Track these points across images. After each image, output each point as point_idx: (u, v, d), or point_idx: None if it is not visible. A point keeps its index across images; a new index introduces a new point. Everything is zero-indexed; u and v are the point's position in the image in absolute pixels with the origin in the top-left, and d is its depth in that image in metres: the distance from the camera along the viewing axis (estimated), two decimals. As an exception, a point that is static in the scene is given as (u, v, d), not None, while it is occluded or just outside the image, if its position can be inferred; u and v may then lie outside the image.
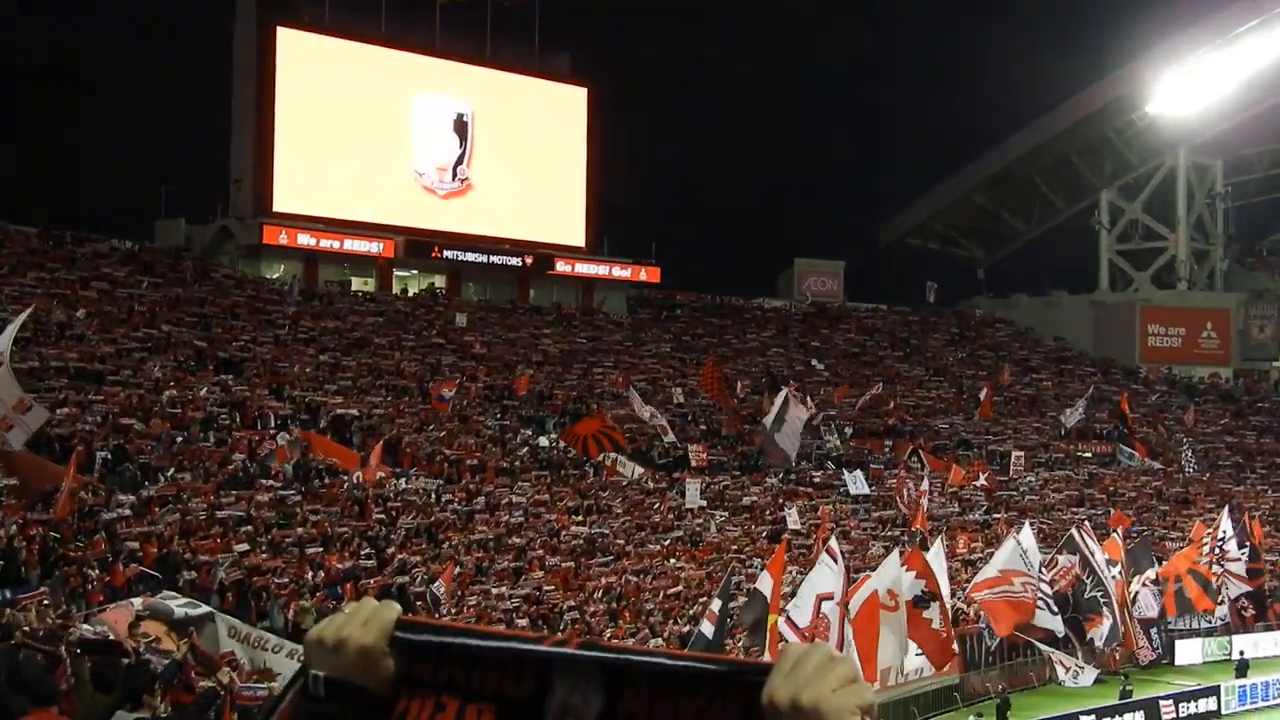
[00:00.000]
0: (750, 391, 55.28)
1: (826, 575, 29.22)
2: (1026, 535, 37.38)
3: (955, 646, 34.40)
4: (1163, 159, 79.54)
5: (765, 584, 30.15)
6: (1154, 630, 42.23)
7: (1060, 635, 37.73)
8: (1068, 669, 37.00)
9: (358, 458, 36.62)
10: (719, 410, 52.59)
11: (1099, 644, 40.12)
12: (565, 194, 62.84)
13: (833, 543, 30.76)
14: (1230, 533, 43.16)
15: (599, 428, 43.23)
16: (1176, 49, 71.12)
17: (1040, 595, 36.53)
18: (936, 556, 33.14)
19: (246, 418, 38.23)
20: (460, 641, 2.20)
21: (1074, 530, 40.63)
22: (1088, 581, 38.29)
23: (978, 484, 51.67)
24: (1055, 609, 37.24)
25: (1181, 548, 46.15)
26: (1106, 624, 38.75)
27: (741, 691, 2.00)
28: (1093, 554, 38.76)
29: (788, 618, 28.51)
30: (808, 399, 53.80)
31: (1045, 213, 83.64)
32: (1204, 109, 73.70)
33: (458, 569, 33.44)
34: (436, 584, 31.18)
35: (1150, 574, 42.20)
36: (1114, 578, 39.53)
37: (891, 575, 30.86)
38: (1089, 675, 37.26)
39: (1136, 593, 41.58)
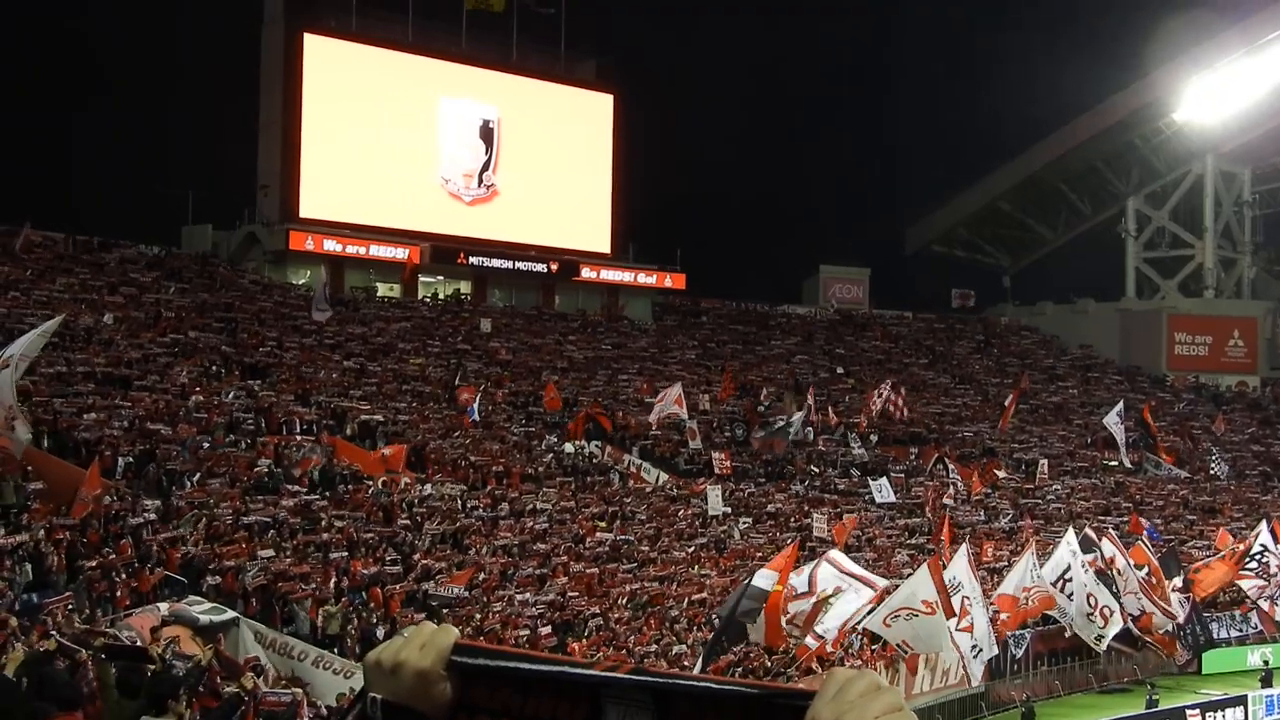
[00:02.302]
0: (775, 399, 55.21)
1: (851, 599, 29.59)
2: (1060, 553, 37.30)
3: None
4: (1190, 166, 79.07)
5: (767, 580, 30.25)
6: (1184, 633, 42.07)
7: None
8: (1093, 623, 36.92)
9: (378, 459, 36.99)
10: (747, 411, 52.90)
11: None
12: (590, 200, 62.88)
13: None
14: (1271, 545, 42.84)
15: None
16: (1204, 56, 70.78)
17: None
18: (959, 565, 32.84)
19: (272, 423, 38.33)
20: (515, 666, 2.22)
21: (1087, 529, 40.63)
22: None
23: (999, 480, 51.41)
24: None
25: (1206, 556, 46.07)
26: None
27: (786, 716, 2.03)
28: (1102, 550, 38.79)
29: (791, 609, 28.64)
30: (828, 408, 54.01)
31: (1072, 220, 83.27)
32: (1232, 116, 73.39)
33: (482, 575, 33.46)
34: (434, 584, 31.30)
35: (1178, 581, 42.00)
36: (1141, 579, 39.36)
37: (923, 583, 31.04)
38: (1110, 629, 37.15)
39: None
